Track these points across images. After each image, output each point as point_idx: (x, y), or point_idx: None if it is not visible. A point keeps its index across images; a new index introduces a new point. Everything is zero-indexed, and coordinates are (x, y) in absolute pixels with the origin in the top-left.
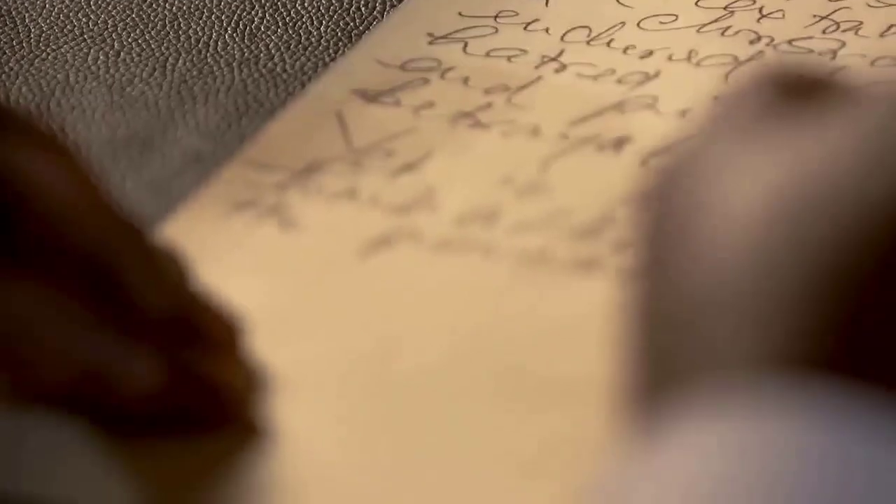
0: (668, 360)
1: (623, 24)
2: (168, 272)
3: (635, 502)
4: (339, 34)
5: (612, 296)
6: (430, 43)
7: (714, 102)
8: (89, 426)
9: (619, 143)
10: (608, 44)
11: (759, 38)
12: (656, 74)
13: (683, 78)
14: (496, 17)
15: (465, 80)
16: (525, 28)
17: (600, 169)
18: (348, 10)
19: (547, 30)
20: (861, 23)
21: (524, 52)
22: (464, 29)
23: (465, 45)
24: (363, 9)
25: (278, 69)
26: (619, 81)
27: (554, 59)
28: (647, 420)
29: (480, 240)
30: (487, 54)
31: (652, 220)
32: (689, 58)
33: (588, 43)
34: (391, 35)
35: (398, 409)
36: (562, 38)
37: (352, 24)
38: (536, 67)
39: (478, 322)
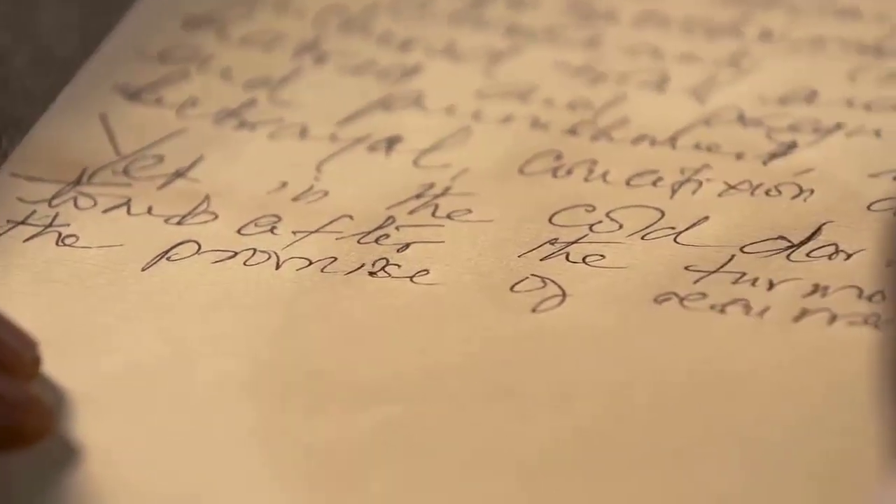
0: None
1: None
2: None
3: None
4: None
5: (403, 295)
6: (184, 28)
7: None
8: None
9: (391, 143)
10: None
11: (515, 29)
12: (417, 69)
13: (446, 73)
14: None
15: (226, 73)
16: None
17: (374, 170)
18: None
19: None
20: None
21: (280, 37)
22: (216, 9)
23: (220, 30)
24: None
25: (29, 86)
26: (382, 75)
27: (311, 48)
28: None
29: (263, 246)
30: (243, 41)
31: None
32: (447, 50)
33: (343, 28)
34: (145, 21)
35: (200, 418)
36: (314, 21)
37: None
38: (295, 56)
39: (272, 328)
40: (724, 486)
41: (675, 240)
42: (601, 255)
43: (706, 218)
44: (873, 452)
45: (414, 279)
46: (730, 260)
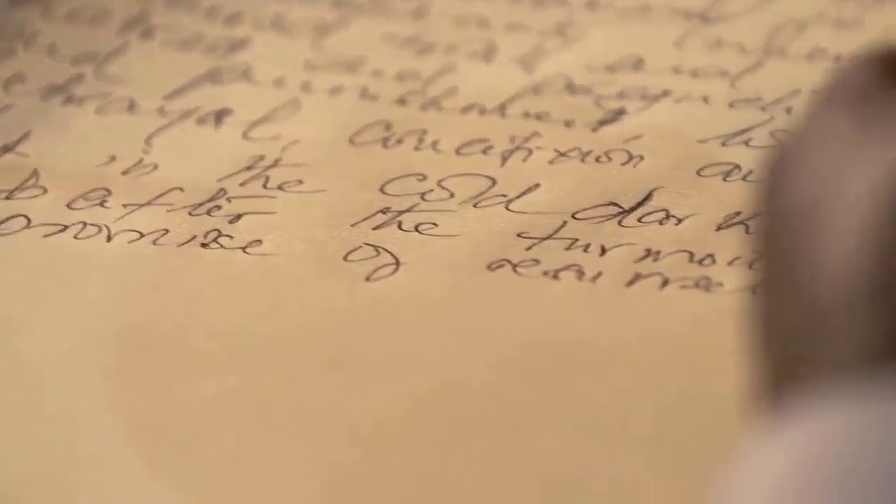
0: (791, 352)
1: None
2: None
3: (753, 494)
4: None
5: (237, 266)
6: (10, 5)
7: (820, 89)
8: None
9: (219, 116)
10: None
11: (342, 1)
12: (245, 42)
13: (273, 45)
14: None
15: (52, 49)
16: None
17: (204, 142)
18: None
19: None
20: None
21: (106, 13)
22: None
23: (45, 6)
24: None
25: None
26: (209, 49)
27: (138, 23)
28: (771, 411)
29: (94, 219)
30: (69, 17)
31: (767, 211)
32: (275, 23)
33: (169, 3)
34: None
35: (31, 395)
36: None
37: None
38: (121, 31)
39: (104, 300)
40: (561, 453)
41: (506, 207)
42: (433, 224)
43: (537, 185)
44: (710, 414)
45: (247, 250)
46: (562, 226)
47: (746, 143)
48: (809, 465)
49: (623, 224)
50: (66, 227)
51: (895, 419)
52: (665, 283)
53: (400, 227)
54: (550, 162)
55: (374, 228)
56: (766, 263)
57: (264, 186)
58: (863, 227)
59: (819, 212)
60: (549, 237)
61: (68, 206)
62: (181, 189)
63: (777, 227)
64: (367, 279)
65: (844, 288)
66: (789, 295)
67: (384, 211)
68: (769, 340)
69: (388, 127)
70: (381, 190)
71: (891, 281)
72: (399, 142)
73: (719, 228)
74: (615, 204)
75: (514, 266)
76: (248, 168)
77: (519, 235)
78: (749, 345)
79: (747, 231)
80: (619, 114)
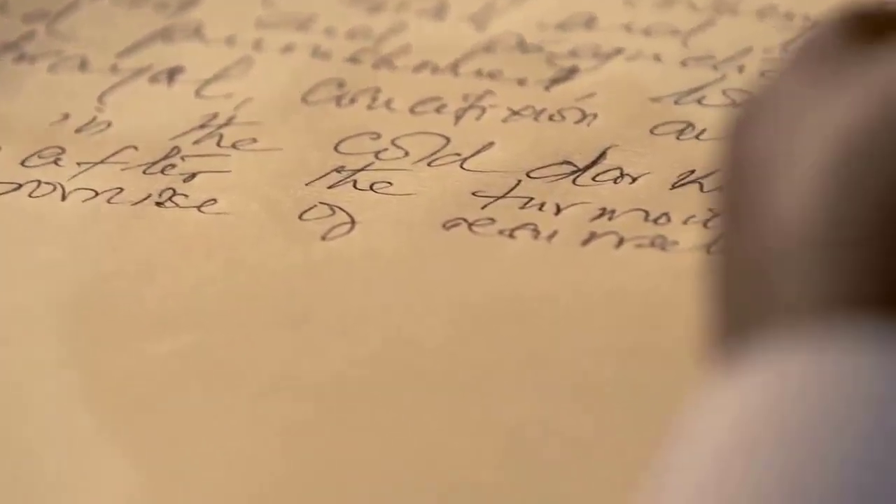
0: (743, 303)
1: None
2: None
3: (705, 440)
4: None
5: (192, 225)
6: None
7: (790, 45)
8: None
9: (172, 74)
10: None
11: None
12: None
13: (224, 3)
14: None
15: (3, 7)
16: None
17: (156, 100)
18: None
19: None
20: None
21: None
22: None
23: None
24: None
25: None
26: (160, 6)
27: None
28: (723, 360)
29: (48, 177)
30: None
31: (727, 168)
32: None
33: None
34: None
35: None
36: None
37: None
38: None
39: (59, 259)
40: (517, 411)
41: (461, 166)
42: (388, 183)
43: (491, 144)
44: (665, 371)
45: (202, 209)
46: (517, 185)
47: (699, 101)
48: (762, 413)
49: (577, 183)
50: (20, 186)
51: (846, 367)
52: (620, 241)
53: (355, 186)
54: (504, 120)
55: (329, 187)
56: (723, 218)
57: (218, 145)
58: (810, 179)
59: (772, 167)
60: (504, 196)
61: (22, 163)
62: (135, 147)
63: (733, 183)
64: (323, 238)
65: (794, 239)
66: (742, 246)
67: (339, 170)
68: (724, 291)
69: (340, 85)
70: (336, 149)
71: (838, 232)
72: (352, 100)
73: (673, 187)
74: (569, 162)
75: (470, 225)
76: (202, 126)
77: (474, 194)
78: (706, 298)
79: (701, 189)
80: (571, 72)
